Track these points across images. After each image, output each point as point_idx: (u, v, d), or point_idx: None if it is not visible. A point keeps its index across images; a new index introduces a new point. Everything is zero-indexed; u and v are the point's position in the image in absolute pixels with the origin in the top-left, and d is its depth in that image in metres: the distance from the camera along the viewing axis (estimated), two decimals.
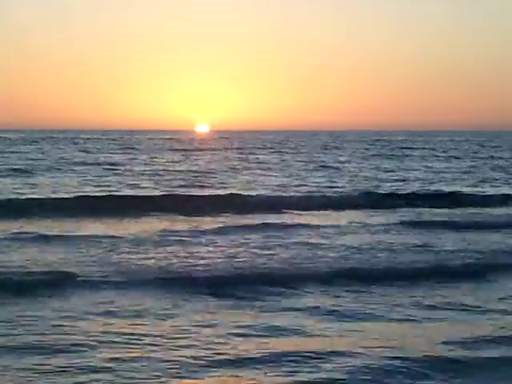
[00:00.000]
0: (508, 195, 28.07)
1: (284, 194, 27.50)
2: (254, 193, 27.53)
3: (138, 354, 8.58)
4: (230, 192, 27.53)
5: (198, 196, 26.24)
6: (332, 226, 19.52)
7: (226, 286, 12.49)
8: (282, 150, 70.91)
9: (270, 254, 15.12)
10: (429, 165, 48.05)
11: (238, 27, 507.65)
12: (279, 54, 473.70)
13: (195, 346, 9.00)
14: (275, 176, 36.76)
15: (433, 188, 31.39)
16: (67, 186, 29.25)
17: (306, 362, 8.48)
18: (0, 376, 7.97)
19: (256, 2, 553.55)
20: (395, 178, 37.43)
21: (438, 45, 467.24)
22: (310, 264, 14.19)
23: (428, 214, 23.02)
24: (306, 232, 18.54)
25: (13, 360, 8.40)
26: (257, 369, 8.22)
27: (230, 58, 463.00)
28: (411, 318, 10.82)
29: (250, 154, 61.82)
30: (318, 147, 77.46)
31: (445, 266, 14.24)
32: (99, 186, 30.04)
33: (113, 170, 39.51)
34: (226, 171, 39.51)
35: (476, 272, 13.93)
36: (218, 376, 8.01)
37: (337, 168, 43.33)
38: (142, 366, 8.20)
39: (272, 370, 8.18)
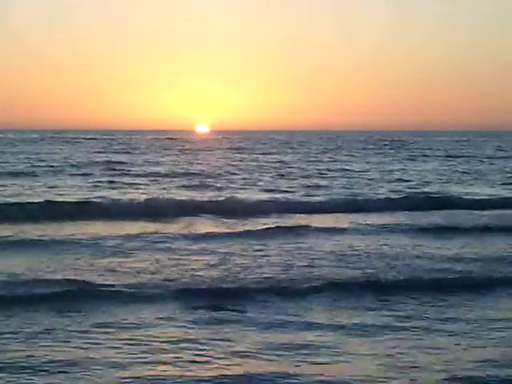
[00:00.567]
0: None
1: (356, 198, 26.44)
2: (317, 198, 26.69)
3: None
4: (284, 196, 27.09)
5: (258, 200, 25.09)
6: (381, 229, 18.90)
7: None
8: (305, 150, 69.72)
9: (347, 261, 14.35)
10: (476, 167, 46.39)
11: (237, 27, 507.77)
12: (279, 54, 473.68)
13: None
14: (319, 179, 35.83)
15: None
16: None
17: None
18: None
19: (256, 3, 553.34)
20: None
21: (437, 45, 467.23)
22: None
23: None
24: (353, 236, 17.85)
25: None
26: None
27: (229, 58, 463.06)
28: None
29: (274, 154, 60.81)
30: (336, 148, 75.95)
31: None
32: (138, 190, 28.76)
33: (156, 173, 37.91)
34: (263, 173, 38.60)
35: None
36: None
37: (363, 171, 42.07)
38: None
39: None
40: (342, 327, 9.93)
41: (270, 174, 37.35)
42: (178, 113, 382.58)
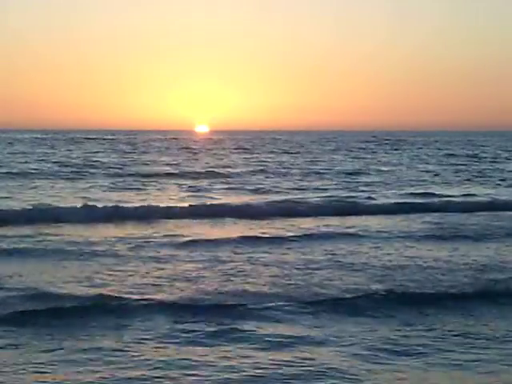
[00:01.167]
0: None
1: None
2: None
3: None
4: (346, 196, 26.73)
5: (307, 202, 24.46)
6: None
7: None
8: (332, 151, 68.90)
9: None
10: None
11: (237, 28, 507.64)
12: (279, 54, 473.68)
13: None
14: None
15: None
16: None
17: None
18: None
19: (255, 3, 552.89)
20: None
21: (437, 45, 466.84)
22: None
23: None
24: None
25: None
26: None
27: (229, 58, 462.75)
28: None
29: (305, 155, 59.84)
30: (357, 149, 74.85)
31: None
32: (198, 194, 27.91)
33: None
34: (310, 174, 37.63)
35: None
36: None
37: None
38: None
39: None
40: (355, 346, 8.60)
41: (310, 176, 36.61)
42: (178, 113, 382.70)
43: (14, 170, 35.50)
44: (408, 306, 10.40)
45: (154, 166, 42.90)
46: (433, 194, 27.18)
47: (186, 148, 72.29)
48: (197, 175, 35.98)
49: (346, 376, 7.57)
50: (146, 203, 22.53)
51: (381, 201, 25.21)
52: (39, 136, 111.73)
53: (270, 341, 8.62)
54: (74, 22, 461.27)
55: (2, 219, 18.44)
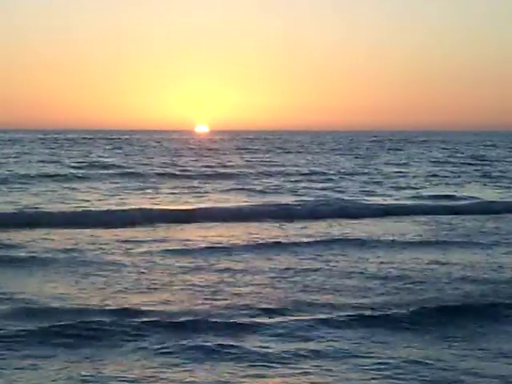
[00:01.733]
0: None
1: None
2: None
3: None
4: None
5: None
6: None
7: None
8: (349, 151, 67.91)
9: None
10: None
11: (237, 28, 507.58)
12: (278, 54, 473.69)
13: None
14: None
15: None
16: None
17: None
18: None
19: (255, 3, 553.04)
20: None
21: (437, 44, 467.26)
22: None
23: None
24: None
25: None
26: None
27: (228, 58, 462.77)
28: None
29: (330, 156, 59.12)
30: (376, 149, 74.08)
31: None
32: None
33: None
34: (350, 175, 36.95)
35: None
36: None
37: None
38: None
39: None
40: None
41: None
42: (178, 113, 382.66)
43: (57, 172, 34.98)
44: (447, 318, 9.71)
45: (179, 167, 42.10)
46: (452, 197, 26.67)
47: (202, 149, 70.94)
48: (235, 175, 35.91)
49: None
50: (207, 205, 22.67)
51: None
52: (41, 136, 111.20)
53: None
54: (74, 21, 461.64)
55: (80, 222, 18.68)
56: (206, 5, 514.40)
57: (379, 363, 7.86)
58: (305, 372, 7.59)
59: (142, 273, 12.38)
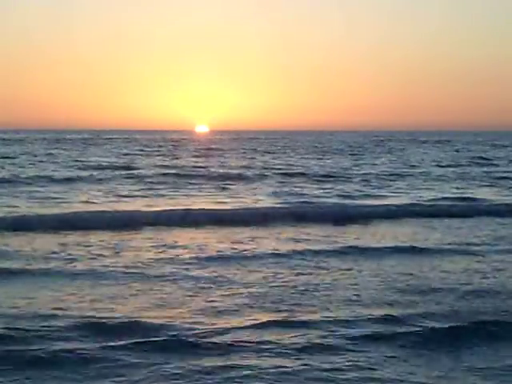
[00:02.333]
0: None
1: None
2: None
3: None
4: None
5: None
6: None
7: None
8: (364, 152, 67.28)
9: None
10: None
11: (236, 28, 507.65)
12: (277, 55, 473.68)
13: None
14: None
15: None
16: None
17: None
18: None
19: (254, 4, 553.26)
20: None
21: (436, 44, 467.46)
22: None
23: None
24: None
25: None
26: None
27: (228, 58, 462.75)
28: None
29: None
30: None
31: None
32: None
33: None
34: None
35: None
36: None
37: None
38: None
39: None
40: None
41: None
42: (177, 113, 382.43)
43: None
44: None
45: (216, 168, 41.70)
46: (471, 199, 26.21)
47: (216, 149, 69.61)
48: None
49: None
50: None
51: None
52: (46, 137, 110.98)
53: None
54: (74, 21, 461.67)
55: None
56: (205, 5, 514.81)
57: None
58: None
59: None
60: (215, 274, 12.20)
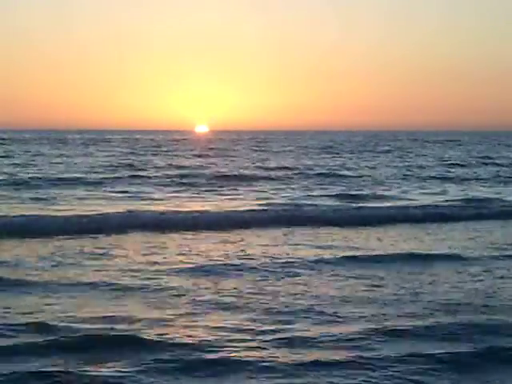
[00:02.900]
0: None
1: None
2: None
3: None
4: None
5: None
6: None
7: None
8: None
9: None
10: None
11: (236, 28, 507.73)
12: (276, 55, 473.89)
13: None
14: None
15: None
16: None
17: None
18: None
19: (254, 4, 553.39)
20: None
21: (435, 44, 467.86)
22: None
23: None
24: None
25: None
26: None
27: (227, 58, 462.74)
28: None
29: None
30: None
31: None
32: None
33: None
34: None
35: None
36: None
37: None
38: None
39: None
40: None
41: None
42: (177, 113, 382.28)
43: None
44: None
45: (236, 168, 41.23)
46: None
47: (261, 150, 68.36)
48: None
49: None
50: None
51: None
52: (51, 136, 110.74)
53: None
54: (75, 21, 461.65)
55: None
56: (205, 6, 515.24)
57: None
58: None
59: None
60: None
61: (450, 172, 40.86)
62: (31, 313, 9.35)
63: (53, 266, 12.63)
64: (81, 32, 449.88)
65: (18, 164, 40.76)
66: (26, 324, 8.72)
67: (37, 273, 12.00)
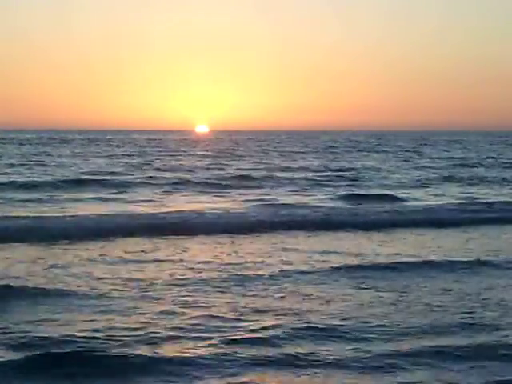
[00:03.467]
0: None
1: None
2: None
3: None
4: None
5: None
6: None
7: None
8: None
9: None
10: None
11: (236, 28, 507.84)
12: (276, 55, 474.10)
13: None
14: None
15: None
16: None
17: None
18: None
19: (254, 4, 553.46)
20: None
21: (435, 44, 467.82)
22: None
23: None
24: None
25: None
26: None
27: (227, 58, 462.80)
28: None
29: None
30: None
31: None
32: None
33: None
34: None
35: None
36: None
37: None
38: None
39: None
40: None
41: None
42: (177, 113, 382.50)
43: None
44: None
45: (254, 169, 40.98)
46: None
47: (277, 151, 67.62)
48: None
49: None
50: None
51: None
52: (55, 136, 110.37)
53: None
54: (75, 21, 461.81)
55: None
56: (205, 6, 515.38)
57: None
58: None
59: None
60: None
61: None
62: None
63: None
64: (81, 32, 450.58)
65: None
66: None
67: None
